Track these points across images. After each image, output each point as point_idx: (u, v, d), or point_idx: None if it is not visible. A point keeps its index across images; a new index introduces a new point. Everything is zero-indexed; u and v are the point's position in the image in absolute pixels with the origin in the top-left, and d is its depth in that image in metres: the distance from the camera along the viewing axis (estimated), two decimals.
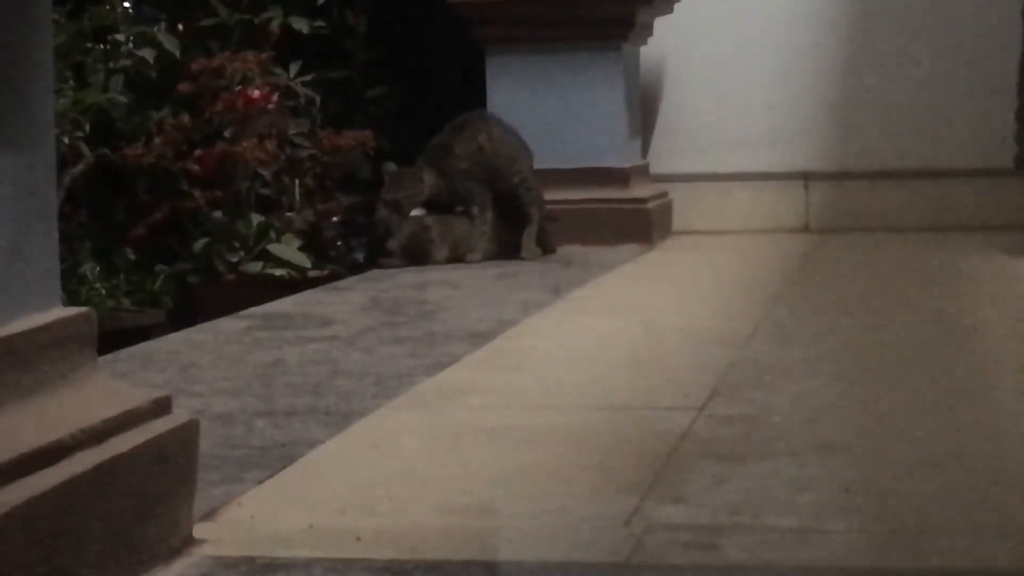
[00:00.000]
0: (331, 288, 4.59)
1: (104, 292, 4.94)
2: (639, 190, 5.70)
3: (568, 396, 2.83)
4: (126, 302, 4.99)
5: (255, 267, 5.07)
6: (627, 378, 3.02)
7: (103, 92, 5.18)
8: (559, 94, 5.65)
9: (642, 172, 5.93)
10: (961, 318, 3.76)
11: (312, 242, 5.23)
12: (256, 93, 5.25)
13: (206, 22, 5.75)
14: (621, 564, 1.78)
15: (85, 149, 5.01)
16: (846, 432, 2.48)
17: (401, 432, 2.55)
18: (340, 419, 2.59)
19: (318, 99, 5.73)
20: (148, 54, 5.36)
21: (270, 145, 5.22)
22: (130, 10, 5.53)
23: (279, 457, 2.31)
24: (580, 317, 3.96)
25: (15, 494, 1.51)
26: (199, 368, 3.15)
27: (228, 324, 3.80)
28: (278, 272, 5.05)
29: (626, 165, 5.68)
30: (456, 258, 5.09)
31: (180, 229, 5.23)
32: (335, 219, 5.29)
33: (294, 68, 5.63)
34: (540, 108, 5.63)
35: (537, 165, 5.33)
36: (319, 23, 5.92)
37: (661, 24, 5.96)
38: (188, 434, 1.86)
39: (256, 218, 5.15)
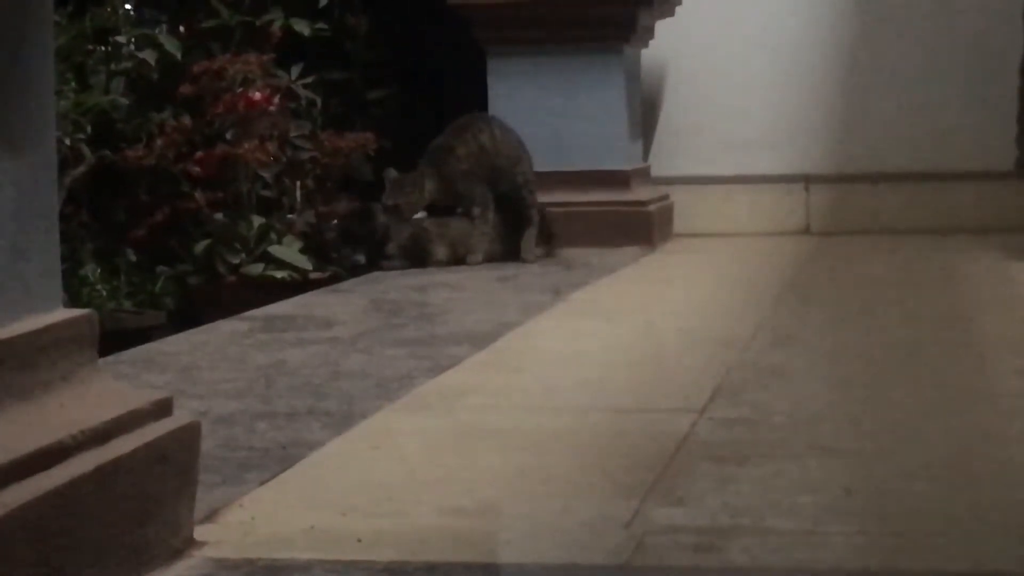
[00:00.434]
0: (332, 290, 4.59)
1: (105, 293, 4.94)
2: (640, 192, 5.70)
3: (569, 398, 2.83)
4: (127, 303, 4.99)
5: (256, 269, 5.07)
6: (628, 380, 3.02)
7: (104, 94, 5.18)
8: (560, 96, 5.65)
9: (643, 174, 5.93)
10: (962, 320, 3.76)
11: (313, 244, 5.23)
12: (257, 95, 5.25)
13: (207, 24, 5.75)
14: (622, 566, 1.78)
15: (86, 150, 5.01)
16: (847, 434, 2.48)
17: (402, 434, 2.54)
18: (341, 421, 2.59)
19: (319, 101, 5.74)
20: (149, 56, 5.36)
21: (271, 147, 5.22)
22: (131, 12, 5.54)
23: (280, 459, 2.31)
24: (581, 319, 3.96)
25: (16, 495, 1.51)
26: (200, 370, 3.15)
27: (229, 326, 3.80)
28: (279, 274, 5.05)
29: (627, 167, 5.68)
30: (457, 260, 5.09)
31: (181, 231, 5.23)
32: (335, 221, 5.29)
33: (295, 70, 5.63)
34: (541, 110, 5.63)
35: (538, 167, 5.33)
36: (320, 25, 5.92)
37: (662, 27, 5.97)
38: (189, 435, 1.86)
39: (257, 220, 5.15)
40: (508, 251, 5.15)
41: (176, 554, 1.80)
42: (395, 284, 4.63)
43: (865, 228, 5.96)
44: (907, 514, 1.98)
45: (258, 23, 5.79)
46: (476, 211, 5.12)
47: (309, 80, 5.67)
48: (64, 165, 4.80)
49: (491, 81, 5.70)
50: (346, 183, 5.59)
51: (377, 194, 5.19)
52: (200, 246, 5.12)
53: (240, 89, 5.28)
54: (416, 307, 4.14)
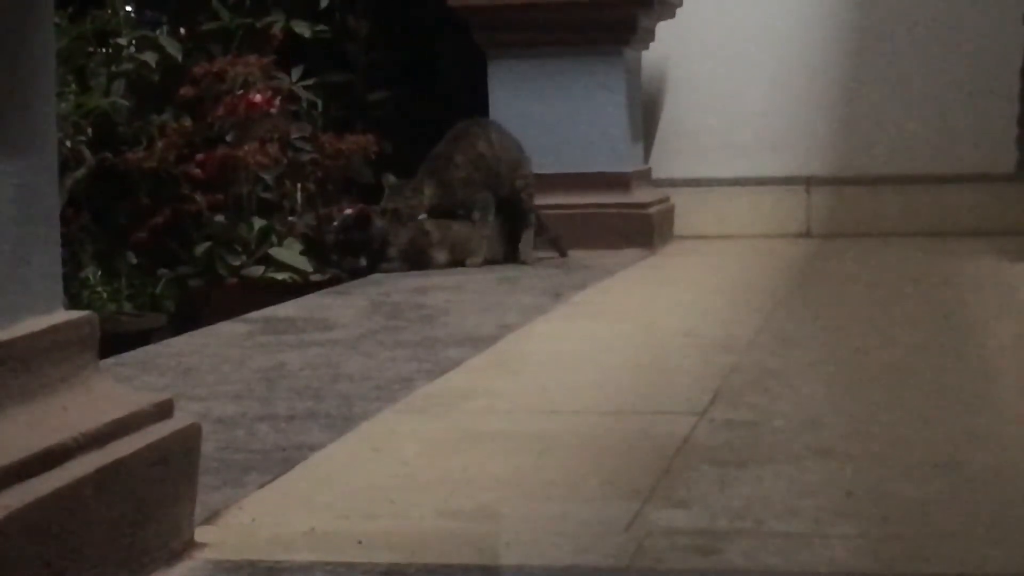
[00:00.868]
0: (333, 292, 4.59)
1: (106, 296, 4.94)
2: (641, 195, 5.70)
3: (569, 400, 2.83)
4: (128, 306, 5.00)
5: (257, 271, 5.07)
6: (628, 382, 3.02)
7: (105, 96, 5.18)
8: (561, 98, 5.65)
9: (644, 177, 5.93)
10: (963, 323, 3.76)
11: (313, 246, 5.23)
12: (258, 97, 5.25)
13: (208, 26, 5.75)
14: (622, 569, 1.78)
15: (87, 153, 5.01)
16: (847, 437, 2.48)
17: (402, 436, 2.55)
18: (341, 423, 2.59)
19: (320, 103, 5.74)
20: (150, 58, 5.36)
21: (272, 149, 5.22)
22: (132, 14, 5.54)
23: (280, 461, 2.31)
24: (581, 321, 3.96)
25: (17, 497, 1.51)
26: (200, 372, 3.15)
27: (229, 328, 3.80)
28: (280, 276, 5.05)
29: (628, 170, 5.68)
30: (457, 262, 5.09)
31: (182, 233, 5.23)
32: (335, 224, 5.29)
33: (296, 72, 5.64)
34: (542, 112, 5.63)
35: (538, 169, 5.33)
36: (321, 27, 5.93)
37: (663, 29, 5.97)
38: (190, 438, 1.86)
39: (258, 222, 5.15)
40: (508, 253, 5.15)
41: (177, 556, 1.80)
42: (395, 286, 4.63)
43: (866, 231, 5.96)
44: (908, 517, 1.98)
45: (259, 25, 5.80)
46: (477, 214, 5.13)
47: (310, 82, 5.67)
48: (65, 167, 4.80)
49: (492, 83, 5.70)
50: (347, 186, 5.59)
51: (377, 197, 5.19)
52: (201, 248, 5.12)
53: (241, 91, 5.28)
54: (416, 309, 4.14)
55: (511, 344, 3.51)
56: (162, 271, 5.15)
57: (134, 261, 5.19)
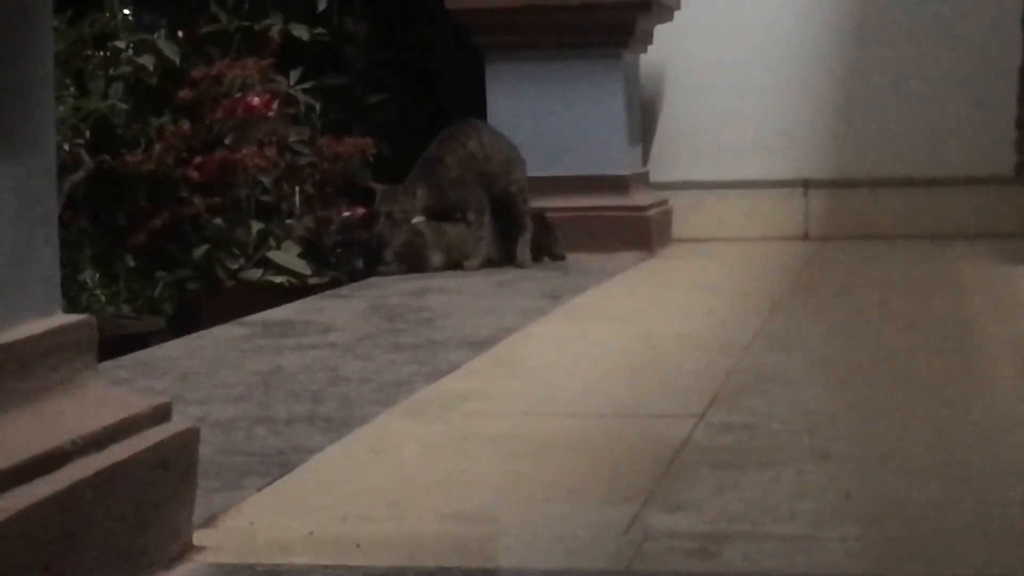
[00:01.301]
0: (331, 295, 4.59)
1: (104, 299, 4.94)
2: (639, 197, 5.70)
3: (568, 403, 2.83)
4: (126, 309, 4.99)
5: (255, 274, 5.07)
6: (627, 385, 3.02)
7: (103, 99, 5.18)
8: (559, 101, 5.65)
9: (642, 179, 5.93)
10: (961, 326, 3.76)
11: (312, 249, 5.23)
12: (256, 100, 5.25)
13: (206, 29, 5.75)
14: (621, 572, 1.78)
15: (85, 156, 5.01)
16: (846, 440, 2.48)
17: (401, 439, 2.55)
18: (340, 426, 2.59)
19: (318, 106, 5.74)
20: (148, 61, 5.36)
21: (270, 152, 5.22)
22: (130, 17, 5.53)
23: (279, 464, 2.31)
24: (580, 324, 3.96)
25: (15, 500, 1.51)
26: (199, 375, 3.15)
27: (228, 331, 3.80)
28: (278, 279, 5.05)
29: (626, 172, 5.68)
30: (454, 264, 5.09)
31: (180, 236, 5.23)
32: (334, 227, 5.29)
33: (294, 75, 5.63)
34: (540, 115, 5.64)
35: (536, 172, 5.33)
36: (319, 30, 5.93)
37: (661, 32, 5.97)
38: (188, 441, 1.86)
39: (256, 225, 5.15)
40: (505, 256, 5.15)
41: (175, 559, 1.80)
42: (394, 289, 4.63)
43: (864, 233, 5.97)
44: (906, 519, 1.98)
45: (257, 28, 5.80)
46: (471, 216, 5.13)
47: (308, 85, 5.67)
48: (63, 170, 4.79)
49: (490, 86, 5.70)
50: (346, 189, 5.59)
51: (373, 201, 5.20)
52: (199, 251, 5.12)
53: (239, 94, 5.28)
54: (415, 312, 4.14)
55: (510, 347, 3.51)
56: (160, 274, 5.15)
57: (132, 264, 5.18)
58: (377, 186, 5.16)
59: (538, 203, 5.29)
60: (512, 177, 5.17)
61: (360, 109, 6.31)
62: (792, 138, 6.11)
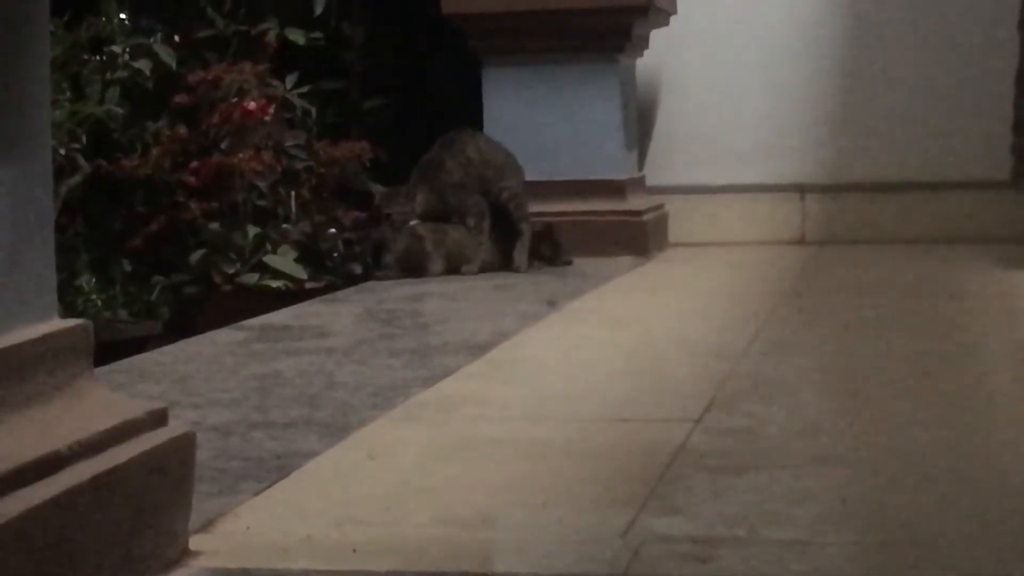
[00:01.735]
0: (328, 300, 4.59)
1: (100, 303, 4.94)
2: (635, 202, 5.70)
3: (565, 408, 2.83)
4: (122, 313, 4.99)
5: (251, 278, 5.07)
6: (624, 390, 3.02)
7: (100, 103, 5.18)
8: (555, 106, 5.65)
9: (638, 184, 5.93)
10: (958, 330, 3.76)
11: (308, 253, 5.23)
12: (253, 104, 5.25)
13: (203, 34, 5.75)
14: None
15: (82, 160, 5.01)
16: (843, 444, 2.48)
17: (398, 444, 2.54)
18: (337, 430, 2.59)
19: (315, 110, 5.74)
20: (145, 65, 5.36)
21: (266, 156, 5.22)
22: (127, 22, 5.53)
23: (276, 468, 2.31)
24: (577, 329, 3.96)
25: (11, 505, 1.51)
26: (195, 380, 3.15)
27: (224, 335, 3.80)
28: (274, 283, 5.05)
29: (622, 177, 5.69)
30: (452, 269, 5.09)
31: (176, 240, 5.23)
32: (331, 231, 5.29)
33: (291, 79, 5.64)
34: (537, 120, 5.64)
35: (533, 177, 5.33)
36: (316, 34, 5.93)
37: (657, 36, 5.97)
38: (184, 446, 1.85)
39: (252, 229, 5.15)
40: (502, 261, 5.15)
41: (172, 564, 1.80)
42: (391, 293, 4.63)
43: (861, 238, 5.97)
44: (903, 524, 1.98)
45: (253, 33, 5.80)
46: (471, 220, 5.13)
47: (304, 90, 5.67)
48: (60, 175, 4.79)
49: (486, 91, 5.71)
50: (342, 193, 5.59)
51: (371, 205, 5.20)
52: (195, 256, 5.11)
53: (235, 99, 5.28)
54: (411, 316, 4.15)
55: (506, 351, 3.51)
56: (157, 278, 5.15)
57: (129, 268, 5.18)
58: (377, 188, 5.16)
59: (535, 208, 5.29)
60: (503, 184, 5.17)
61: (356, 113, 6.31)
62: (789, 142, 6.11)
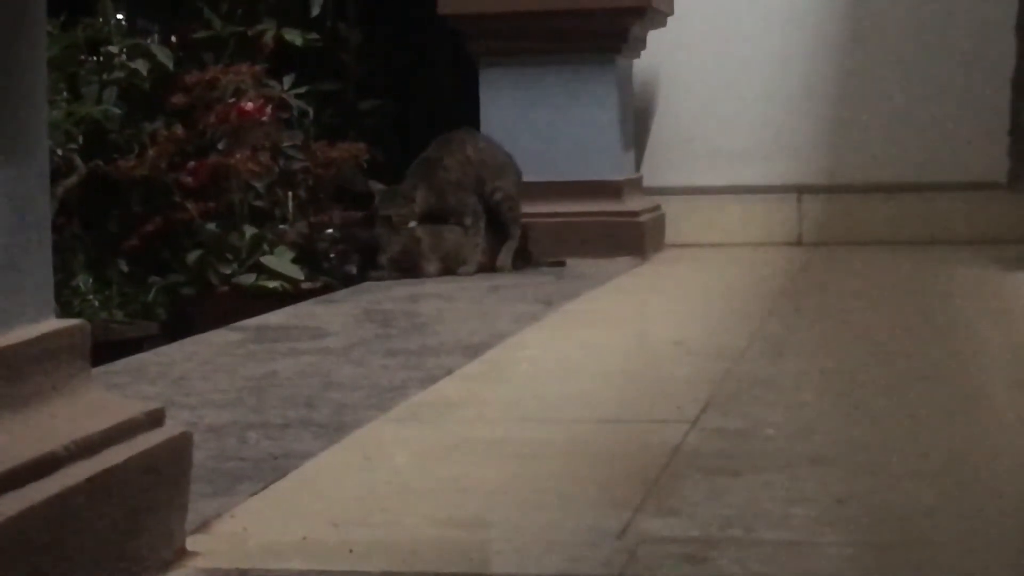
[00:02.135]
0: (324, 300, 4.59)
1: (97, 304, 4.93)
2: (632, 203, 5.71)
3: (561, 409, 2.83)
4: (119, 314, 4.98)
5: (248, 279, 5.07)
6: (620, 391, 3.02)
7: (96, 104, 5.17)
8: (553, 107, 5.66)
9: (635, 185, 5.93)
10: (955, 331, 3.76)
11: (305, 254, 5.23)
12: (250, 105, 5.25)
13: (200, 34, 5.75)
14: None
15: (78, 161, 5.01)
16: (839, 445, 2.48)
17: (394, 444, 2.54)
18: (333, 431, 2.59)
19: (311, 111, 5.74)
20: (141, 66, 5.36)
21: (263, 157, 5.22)
22: (123, 22, 5.53)
23: (272, 469, 2.31)
24: (573, 330, 3.96)
25: (7, 506, 1.50)
26: (192, 380, 3.14)
27: (221, 336, 3.80)
28: (271, 284, 5.05)
29: (619, 178, 5.69)
30: (448, 271, 5.08)
31: (173, 241, 5.23)
32: (329, 232, 5.29)
33: (288, 80, 5.63)
34: (534, 121, 5.64)
35: (530, 177, 5.33)
36: (313, 35, 5.92)
37: (655, 37, 5.97)
38: (181, 446, 1.85)
39: (249, 230, 5.15)
40: (491, 261, 5.15)
41: (168, 565, 1.80)
42: (387, 294, 4.63)
43: (858, 239, 5.97)
44: (900, 524, 1.98)
45: (251, 33, 5.79)
46: (468, 221, 5.13)
47: (302, 91, 5.66)
48: (56, 175, 4.79)
49: (483, 92, 5.71)
50: (339, 194, 5.59)
51: (367, 207, 5.20)
52: (192, 256, 5.11)
53: (232, 99, 5.28)
54: (408, 317, 4.14)
55: (503, 352, 3.51)
56: (153, 279, 5.14)
57: (126, 269, 5.18)
58: (377, 187, 5.16)
59: (533, 208, 5.29)
60: (497, 184, 5.17)
61: (353, 114, 6.31)
62: (786, 143, 6.11)
